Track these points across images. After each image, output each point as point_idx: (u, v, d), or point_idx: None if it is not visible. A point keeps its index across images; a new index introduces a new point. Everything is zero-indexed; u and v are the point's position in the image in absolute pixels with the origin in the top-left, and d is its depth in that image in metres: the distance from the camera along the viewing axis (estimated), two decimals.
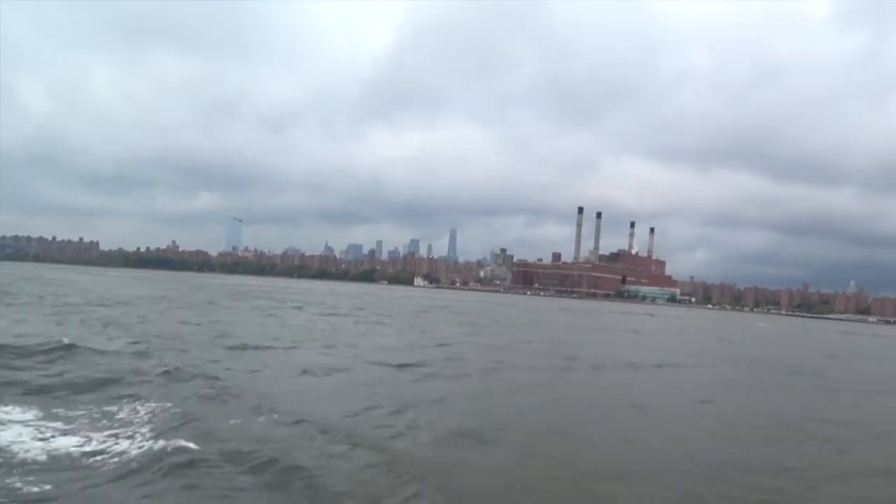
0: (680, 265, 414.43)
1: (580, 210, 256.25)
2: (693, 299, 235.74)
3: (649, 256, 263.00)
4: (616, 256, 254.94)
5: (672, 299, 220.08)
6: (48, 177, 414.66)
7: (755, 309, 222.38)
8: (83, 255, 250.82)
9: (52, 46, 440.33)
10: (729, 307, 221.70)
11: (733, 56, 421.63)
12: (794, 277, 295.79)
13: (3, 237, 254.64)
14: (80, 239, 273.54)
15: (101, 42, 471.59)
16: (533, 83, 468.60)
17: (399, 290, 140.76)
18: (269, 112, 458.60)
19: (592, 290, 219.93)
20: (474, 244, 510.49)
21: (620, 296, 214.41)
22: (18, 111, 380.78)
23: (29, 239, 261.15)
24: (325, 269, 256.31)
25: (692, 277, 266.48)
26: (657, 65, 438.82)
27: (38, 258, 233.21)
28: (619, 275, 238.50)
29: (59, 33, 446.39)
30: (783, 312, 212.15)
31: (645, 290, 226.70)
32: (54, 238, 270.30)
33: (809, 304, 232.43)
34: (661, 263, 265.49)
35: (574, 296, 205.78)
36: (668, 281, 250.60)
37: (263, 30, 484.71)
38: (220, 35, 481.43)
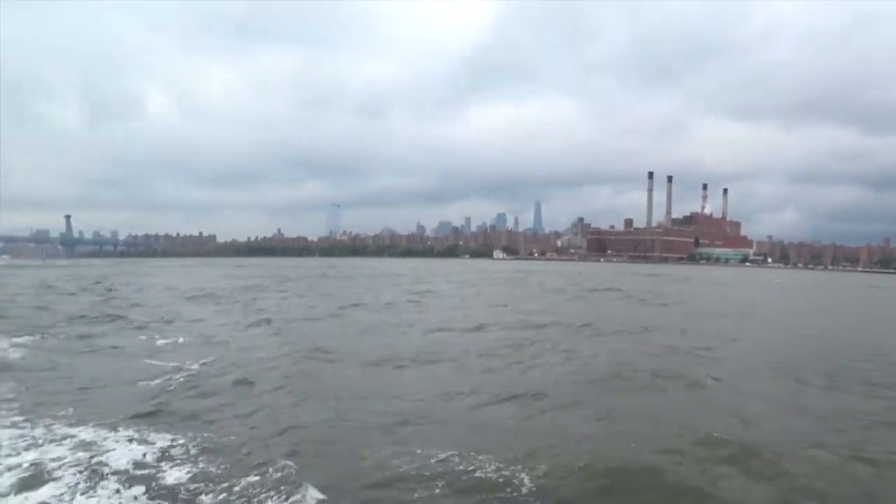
0: (766, 226, 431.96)
1: (650, 175, 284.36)
2: (770, 259, 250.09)
3: (723, 218, 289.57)
4: (689, 220, 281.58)
5: (744, 260, 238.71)
6: (172, 178, 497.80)
7: (830, 267, 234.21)
8: (202, 247, 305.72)
9: (171, 53, 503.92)
10: (801, 266, 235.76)
11: (825, 4, 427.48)
12: (879, 233, 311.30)
13: (136, 236, 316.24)
14: (200, 233, 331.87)
15: (214, 44, 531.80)
16: (618, 50, 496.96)
17: (470, 264, 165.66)
18: (365, 99, 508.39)
19: (665, 255, 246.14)
20: (561, 215, 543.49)
21: (692, 259, 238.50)
22: (145, 119, 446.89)
23: (157, 237, 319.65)
24: (412, 247, 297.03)
25: (770, 237, 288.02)
26: (745, 19, 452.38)
27: (164, 253, 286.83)
28: (692, 238, 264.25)
29: (177, 39, 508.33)
30: (859, 269, 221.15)
31: (717, 251, 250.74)
32: (178, 234, 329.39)
33: (889, 260, 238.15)
34: (736, 224, 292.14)
35: (646, 261, 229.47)
36: (743, 242, 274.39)
37: (359, 18, 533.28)
38: (319, 28, 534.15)
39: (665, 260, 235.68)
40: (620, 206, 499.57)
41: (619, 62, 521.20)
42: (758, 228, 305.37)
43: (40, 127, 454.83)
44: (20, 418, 9.78)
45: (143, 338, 18.82)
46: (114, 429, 9.19)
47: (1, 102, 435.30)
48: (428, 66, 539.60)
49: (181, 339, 18.45)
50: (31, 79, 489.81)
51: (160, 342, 17.93)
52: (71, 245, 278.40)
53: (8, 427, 9.37)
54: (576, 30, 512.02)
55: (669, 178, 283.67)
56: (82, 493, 6.96)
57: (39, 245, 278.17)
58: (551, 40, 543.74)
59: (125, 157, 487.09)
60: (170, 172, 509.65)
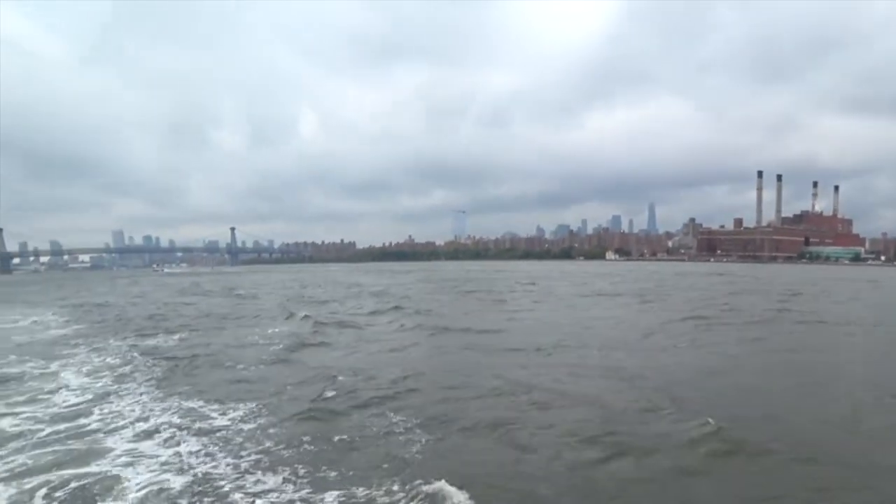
0: (885, 222, 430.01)
1: (759, 174, 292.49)
2: (883, 257, 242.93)
3: (834, 215, 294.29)
4: (799, 218, 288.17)
5: (856, 258, 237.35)
6: (319, 190, 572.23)
7: None
8: (343, 253, 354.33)
9: (318, 77, 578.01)
10: None
11: None
12: None
13: (287, 244, 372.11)
14: (342, 240, 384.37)
15: (354, 66, 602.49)
16: (732, 48, 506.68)
17: (581, 265, 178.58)
18: (490, 109, 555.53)
19: (774, 254, 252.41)
20: (675, 216, 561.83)
21: (802, 257, 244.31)
22: (297, 138, 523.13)
23: (306, 244, 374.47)
24: (530, 249, 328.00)
25: (885, 234, 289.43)
26: (866, 10, 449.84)
27: (311, 259, 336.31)
28: (802, 236, 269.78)
29: (324, 64, 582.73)
30: None
31: (828, 250, 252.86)
32: (323, 242, 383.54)
33: None
34: (848, 222, 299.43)
35: (755, 260, 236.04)
36: (855, 240, 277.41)
37: (484, 33, 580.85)
38: (448, 44, 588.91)
39: (774, 259, 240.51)
40: (733, 205, 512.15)
41: (732, 60, 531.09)
42: (876, 225, 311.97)
43: (211, 151, 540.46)
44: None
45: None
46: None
47: (182, 131, 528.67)
48: (548, 74, 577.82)
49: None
50: (204, 109, 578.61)
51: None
52: (235, 254, 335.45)
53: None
54: (690, 29, 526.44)
55: (779, 177, 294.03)
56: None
57: (210, 254, 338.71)
58: (666, 41, 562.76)
59: (280, 174, 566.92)
60: (317, 185, 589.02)
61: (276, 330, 25.10)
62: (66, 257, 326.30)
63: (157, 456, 9.47)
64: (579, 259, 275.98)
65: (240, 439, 10.22)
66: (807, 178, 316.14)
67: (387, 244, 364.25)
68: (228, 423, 11.26)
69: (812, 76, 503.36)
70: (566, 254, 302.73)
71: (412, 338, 22.34)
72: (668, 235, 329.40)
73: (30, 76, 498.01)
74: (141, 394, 13.76)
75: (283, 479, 8.44)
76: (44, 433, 10.85)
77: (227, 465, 9.05)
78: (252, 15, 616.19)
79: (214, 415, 11.84)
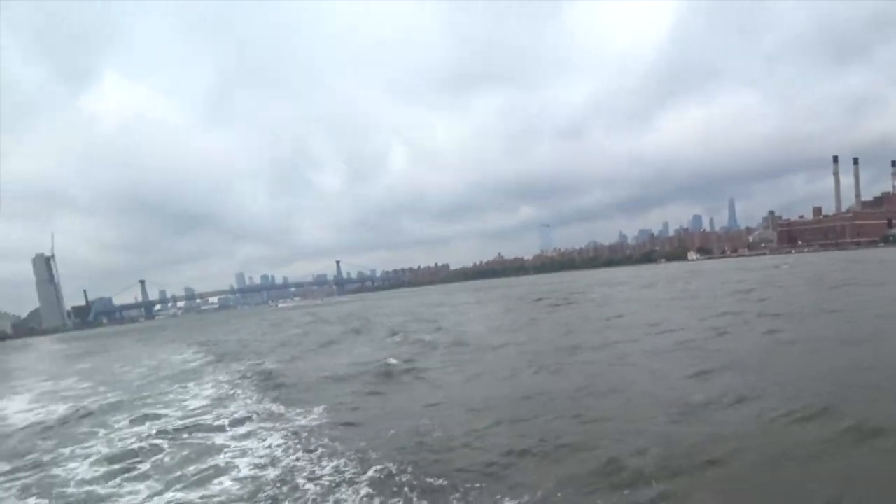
0: None
1: (835, 159, 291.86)
2: None
3: None
4: (880, 200, 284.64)
5: None
6: (412, 217, 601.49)
7: None
8: (437, 275, 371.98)
9: (404, 110, 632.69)
10: None
11: None
12: None
13: (387, 272, 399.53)
14: (436, 263, 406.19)
15: (436, 95, 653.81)
16: (798, 32, 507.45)
17: (661, 267, 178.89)
18: (565, 122, 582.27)
19: (856, 240, 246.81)
20: (756, 209, 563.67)
21: (886, 241, 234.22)
22: (388, 170, 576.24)
23: (404, 270, 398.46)
24: (612, 256, 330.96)
25: None
26: None
27: (410, 284, 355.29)
28: (884, 219, 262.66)
29: (409, 96, 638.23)
30: None
31: None
32: (419, 266, 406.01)
33: None
34: None
35: (837, 248, 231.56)
36: None
37: (551, 48, 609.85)
38: (520, 65, 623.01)
39: (857, 245, 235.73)
40: (812, 193, 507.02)
41: (799, 45, 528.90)
42: None
43: (314, 191, 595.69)
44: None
45: None
46: None
47: (288, 177, 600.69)
48: (617, 80, 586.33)
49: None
50: (306, 154, 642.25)
51: None
52: (342, 284, 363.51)
53: None
54: (754, 19, 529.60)
55: (855, 160, 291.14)
56: None
57: (320, 287, 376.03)
58: (731, 35, 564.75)
59: (376, 205, 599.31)
60: (409, 212, 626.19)
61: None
62: (198, 300, 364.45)
63: (252, 449, 12.74)
64: (661, 262, 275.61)
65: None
66: (886, 160, 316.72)
67: (477, 263, 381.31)
68: (308, 422, 14.57)
69: (882, 52, 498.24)
70: (647, 258, 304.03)
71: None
72: (749, 230, 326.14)
73: (162, 141, 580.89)
74: (245, 403, 18.14)
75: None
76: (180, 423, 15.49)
77: (305, 458, 11.37)
78: (341, 58, 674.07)
79: (299, 418, 15.08)
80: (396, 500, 9.06)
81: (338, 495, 9.47)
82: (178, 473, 11.49)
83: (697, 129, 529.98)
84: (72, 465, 12.79)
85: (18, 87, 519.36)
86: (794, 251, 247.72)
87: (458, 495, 8.98)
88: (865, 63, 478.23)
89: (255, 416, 15.88)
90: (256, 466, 11.35)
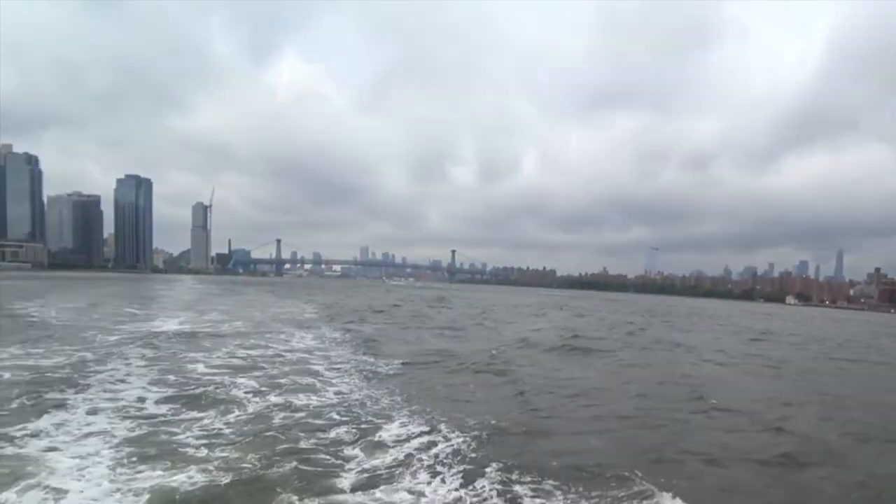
0: None
1: None
2: None
3: None
4: None
5: None
6: (531, 221, 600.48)
7: None
8: (544, 279, 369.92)
9: (546, 121, 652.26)
10: None
11: None
12: None
13: (497, 268, 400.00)
14: (544, 267, 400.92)
15: (576, 112, 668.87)
16: None
17: (754, 307, 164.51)
18: (693, 153, 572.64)
19: None
20: (865, 264, 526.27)
21: None
22: (519, 174, 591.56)
23: (513, 269, 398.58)
24: (713, 288, 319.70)
25: None
26: None
27: (516, 283, 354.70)
28: None
29: (553, 110, 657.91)
30: None
31: None
32: (528, 267, 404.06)
33: None
34: None
35: None
36: None
37: (693, 81, 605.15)
38: (660, 92, 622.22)
39: None
40: None
41: None
42: None
43: (447, 184, 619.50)
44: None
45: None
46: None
47: (426, 167, 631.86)
48: (750, 121, 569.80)
49: None
50: (447, 148, 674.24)
51: None
52: (454, 273, 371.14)
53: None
54: (892, 76, 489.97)
55: None
56: None
57: (433, 271, 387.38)
58: (872, 89, 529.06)
59: (501, 205, 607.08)
60: (530, 216, 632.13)
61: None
62: (322, 266, 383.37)
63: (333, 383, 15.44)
64: (759, 301, 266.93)
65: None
66: None
67: (582, 273, 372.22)
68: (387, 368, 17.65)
69: None
70: (747, 295, 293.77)
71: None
72: (852, 284, 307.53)
73: (323, 119, 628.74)
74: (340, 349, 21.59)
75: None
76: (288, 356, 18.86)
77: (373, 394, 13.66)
78: (494, 65, 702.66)
79: (381, 365, 18.00)
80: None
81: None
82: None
83: (820, 177, 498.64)
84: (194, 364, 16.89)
85: (212, 54, 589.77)
86: (893, 311, 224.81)
87: None
88: None
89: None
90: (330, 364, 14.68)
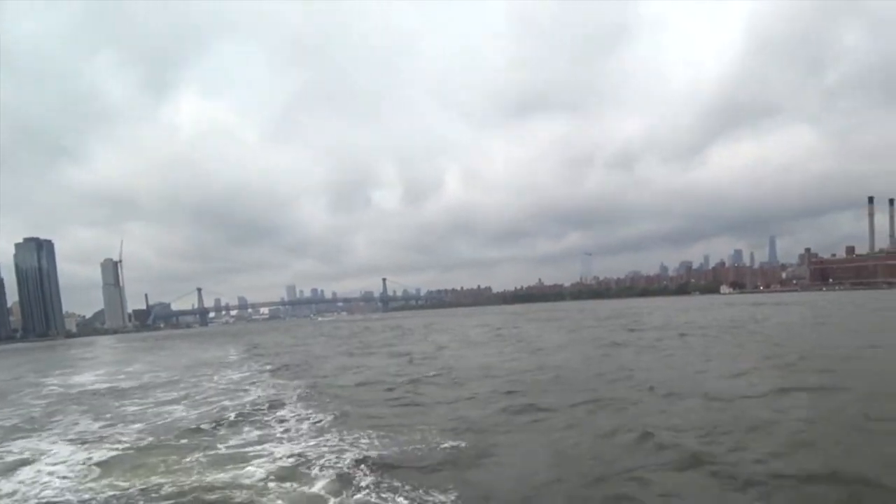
0: None
1: (870, 200, 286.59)
2: None
3: None
4: None
5: None
6: (463, 240, 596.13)
7: None
8: (479, 298, 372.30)
9: (467, 135, 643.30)
10: None
11: None
12: None
13: (430, 291, 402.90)
14: (478, 286, 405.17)
15: (498, 122, 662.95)
16: (860, 70, 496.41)
17: (695, 299, 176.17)
18: (619, 154, 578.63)
19: (889, 280, 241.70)
20: (798, 247, 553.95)
21: None
22: (444, 193, 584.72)
23: (447, 291, 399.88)
24: (648, 287, 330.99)
25: None
26: None
27: (450, 305, 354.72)
28: None
29: (474, 122, 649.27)
30: None
31: None
32: (462, 287, 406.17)
33: None
34: None
35: (868, 287, 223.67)
36: None
37: (614, 81, 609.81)
38: (581, 96, 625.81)
39: (890, 285, 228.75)
40: (855, 234, 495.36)
41: (861, 85, 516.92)
42: None
43: (371, 211, 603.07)
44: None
45: None
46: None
47: (347, 196, 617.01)
48: (673, 115, 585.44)
49: None
50: (366, 174, 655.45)
51: None
52: (386, 302, 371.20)
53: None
54: (816, 57, 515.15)
55: (891, 201, 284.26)
56: None
57: (366, 303, 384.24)
58: (792, 71, 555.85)
59: (430, 226, 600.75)
60: (461, 235, 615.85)
61: None
62: (249, 310, 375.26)
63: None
64: (695, 294, 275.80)
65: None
66: None
67: (518, 288, 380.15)
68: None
69: None
70: (682, 289, 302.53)
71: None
72: (783, 267, 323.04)
73: (232, 155, 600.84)
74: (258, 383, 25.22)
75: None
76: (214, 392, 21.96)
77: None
78: (409, 83, 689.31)
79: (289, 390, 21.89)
80: None
81: None
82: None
83: (748, 165, 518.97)
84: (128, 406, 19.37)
85: (103, 97, 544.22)
86: (824, 289, 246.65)
87: None
88: None
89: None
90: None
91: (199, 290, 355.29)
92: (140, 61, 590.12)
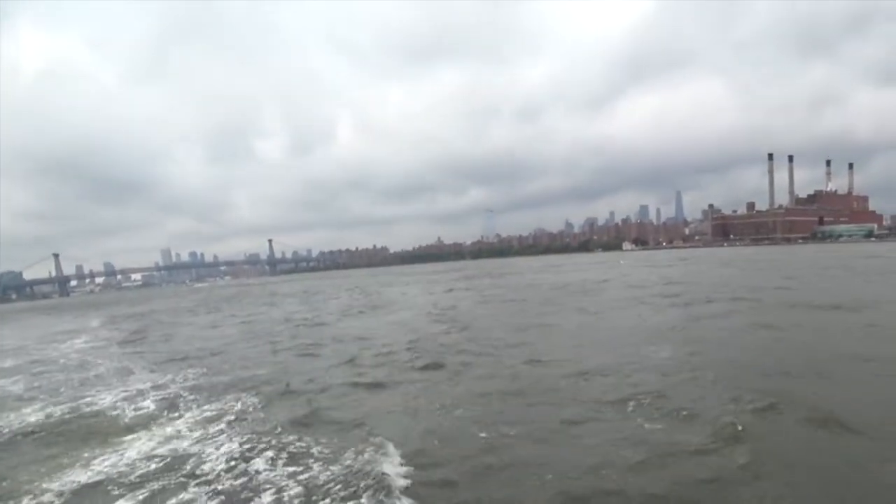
0: None
1: (770, 156, 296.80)
2: None
3: (849, 193, 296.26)
4: (812, 198, 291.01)
5: (869, 235, 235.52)
6: (356, 196, 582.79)
7: None
8: (374, 258, 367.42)
9: (360, 81, 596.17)
10: None
11: None
12: None
13: (323, 253, 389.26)
14: (374, 246, 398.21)
15: (395, 69, 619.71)
16: (770, 25, 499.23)
17: (593, 256, 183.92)
18: (525, 105, 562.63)
19: (787, 236, 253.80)
20: (703, 202, 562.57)
21: (814, 237, 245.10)
22: (336, 144, 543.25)
23: (341, 252, 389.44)
24: (550, 244, 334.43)
25: None
26: None
27: (345, 266, 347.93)
28: (816, 216, 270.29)
29: (368, 68, 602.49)
30: None
31: (840, 228, 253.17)
32: (357, 248, 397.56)
33: None
34: (864, 199, 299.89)
35: (769, 242, 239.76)
36: (871, 217, 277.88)
37: (521, 28, 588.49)
38: (484, 43, 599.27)
39: (788, 241, 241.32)
40: (763, 188, 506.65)
41: (771, 37, 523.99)
42: None
43: (255, 163, 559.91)
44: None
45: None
46: None
47: (227, 146, 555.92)
48: (583, 64, 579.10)
49: None
50: (248, 122, 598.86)
51: None
52: (274, 265, 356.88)
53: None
54: (728, 9, 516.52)
55: (790, 158, 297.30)
56: None
57: (252, 266, 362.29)
58: (702, 23, 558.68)
59: (320, 181, 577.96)
60: (355, 191, 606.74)
61: None
62: (118, 277, 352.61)
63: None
64: (597, 251, 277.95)
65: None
66: (844, 157, 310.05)
67: (416, 247, 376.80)
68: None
69: (849, 50, 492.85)
70: (584, 246, 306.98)
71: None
72: (686, 223, 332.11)
73: (88, 98, 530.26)
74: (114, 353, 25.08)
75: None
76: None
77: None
78: (292, 20, 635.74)
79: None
80: None
81: None
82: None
83: (655, 118, 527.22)
84: None
85: None
86: (726, 244, 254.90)
87: None
88: (834, 59, 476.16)
89: None
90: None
91: (57, 255, 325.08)
92: None
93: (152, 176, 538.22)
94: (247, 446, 9.85)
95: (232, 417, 11.76)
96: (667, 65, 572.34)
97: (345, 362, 17.23)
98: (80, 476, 9.18)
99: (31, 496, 8.59)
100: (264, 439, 10.12)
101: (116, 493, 8.43)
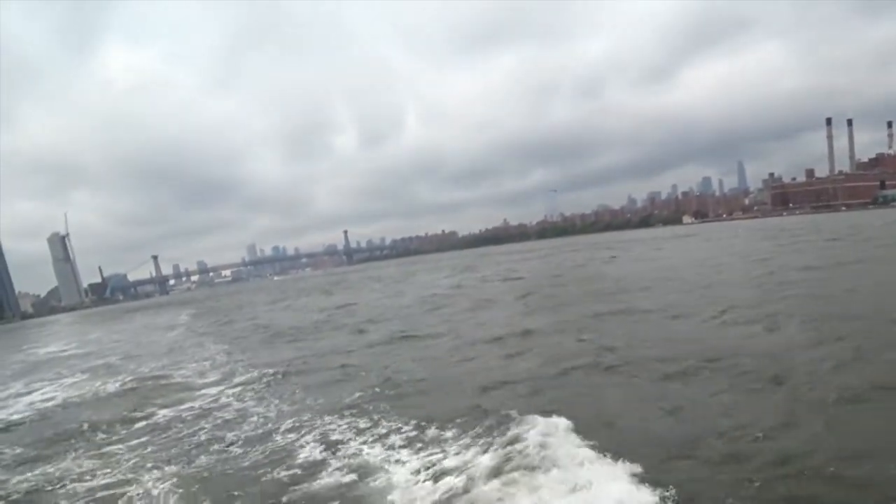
0: None
1: (828, 121, 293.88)
2: None
3: None
4: (874, 162, 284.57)
5: None
6: (425, 183, 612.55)
7: None
8: (444, 243, 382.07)
9: (424, 71, 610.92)
10: None
11: None
12: None
13: (394, 240, 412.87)
14: (443, 231, 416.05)
15: (455, 56, 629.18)
16: None
17: (653, 231, 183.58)
18: (585, 81, 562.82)
19: (847, 202, 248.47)
20: (770, 170, 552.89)
21: (876, 202, 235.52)
22: (405, 133, 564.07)
23: (411, 238, 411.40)
24: (611, 221, 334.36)
25: None
26: None
27: (417, 252, 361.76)
28: (877, 181, 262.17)
29: (429, 57, 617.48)
30: None
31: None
32: (427, 234, 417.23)
33: None
34: None
35: (829, 210, 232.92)
36: None
37: (574, 4, 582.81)
38: (542, 22, 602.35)
39: (848, 207, 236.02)
40: (825, 153, 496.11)
41: None
42: None
43: (330, 157, 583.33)
44: None
45: None
46: None
47: (304, 143, 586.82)
48: (643, 34, 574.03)
49: None
50: (323, 118, 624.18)
51: None
52: (350, 255, 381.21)
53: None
54: None
55: (849, 122, 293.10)
56: None
57: (330, 257, 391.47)
58: None
59: (390, 171, 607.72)
60: (424, 178, 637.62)
61: None
62: (210, 274, 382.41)
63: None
64: (658, 226, 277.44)
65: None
66: None
67: (483, 230, 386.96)
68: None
69: None
70: (645, 222, 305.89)
71: None
72: (746, 193, 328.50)
73: (172, 107, 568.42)
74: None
75: None
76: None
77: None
78: (357, 15, 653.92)
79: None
80: None
81: None
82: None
83: (717, 86, 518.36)
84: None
85: (23, 51, 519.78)
86: (785, 213, 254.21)
87: None
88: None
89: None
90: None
91: (155, 257, 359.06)
92: (50, 10, 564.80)
93: (237, 177, 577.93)
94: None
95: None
96: (728, 29, 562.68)
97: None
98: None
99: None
100: None
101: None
